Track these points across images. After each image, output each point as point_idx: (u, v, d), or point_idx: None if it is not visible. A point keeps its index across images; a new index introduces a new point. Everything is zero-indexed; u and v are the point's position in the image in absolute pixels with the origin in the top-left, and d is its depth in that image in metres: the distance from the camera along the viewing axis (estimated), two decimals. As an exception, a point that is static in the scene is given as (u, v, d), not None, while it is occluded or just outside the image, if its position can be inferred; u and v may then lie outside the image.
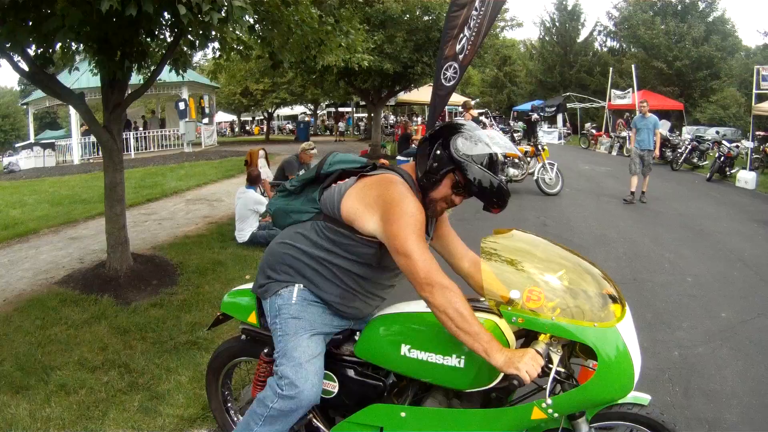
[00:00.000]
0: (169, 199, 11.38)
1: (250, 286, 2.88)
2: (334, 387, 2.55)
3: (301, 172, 2.56)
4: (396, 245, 2.13)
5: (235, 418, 3.23)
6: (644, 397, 2.28)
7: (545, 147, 12.82)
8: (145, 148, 22.73)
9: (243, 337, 2.93)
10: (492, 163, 2.25)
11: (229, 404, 3.24)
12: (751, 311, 5.78)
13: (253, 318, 2.77)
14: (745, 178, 15.31)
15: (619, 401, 2.26)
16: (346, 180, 2.42)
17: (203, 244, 7.59)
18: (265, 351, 2.73)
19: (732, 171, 16.47)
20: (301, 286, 2.45)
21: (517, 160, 12.12)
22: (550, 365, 2.02)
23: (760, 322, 5.50)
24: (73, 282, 5.92)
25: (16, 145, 25.51)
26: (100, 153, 19.61)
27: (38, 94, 21.23)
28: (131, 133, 22.15)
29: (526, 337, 2.31)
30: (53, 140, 23.18)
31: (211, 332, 4.63)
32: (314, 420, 2.71)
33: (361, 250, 2.34)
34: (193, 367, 4.09)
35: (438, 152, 2.27)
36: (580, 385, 2.11)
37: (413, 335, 2.32)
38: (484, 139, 2.29)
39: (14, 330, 4.80)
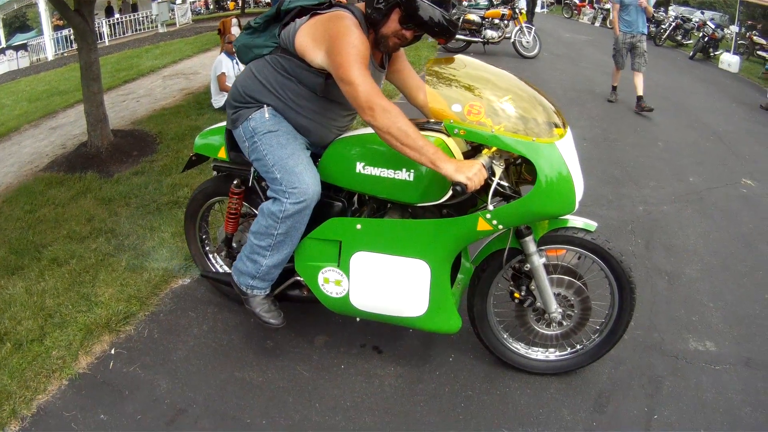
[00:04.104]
0: (146, 78, 11.00)
1: (220, 124, 3.00)
2: None
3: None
4: (339, 74, 2.22)
5: (213, 260, 3.35)
6: (591, 224, 2.42)
7: (522, 10, 12.69)
8: (121, 34, 21.83)
9: (215, 173, 3.03)
10: None
11: (207, 247, 3.36)
12: (719, 180, 5.79)
13: (222, 153, 2.89)
14: (729, 60, 14.88)
15: (568, 226, 2.41)
16: (303, 17, 2.47)
17: (181, 114, 7.47)
18: (234, 183, 2.87)
19: (716, 53, 16.01)
20: (270, 107, 2.56)
21: (497, 21, 11.85)
22: (493, 178, 2.18)
23: (727, 191, 5.52)
24: (57, 166, 5.90)
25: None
26: (74, 45, 19.07)
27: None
28: (104, 20, 21.17)
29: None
30: (25, 41, 22.26)
31: (189, 191, 4.68)
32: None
33: (311, 79, 2.45)
34: (175, 224, 4.15)
35: None
36: (521, 198, 2.23)
37: (367, 153, 2.45)
38: None
39: (5, 219, 4.80)
